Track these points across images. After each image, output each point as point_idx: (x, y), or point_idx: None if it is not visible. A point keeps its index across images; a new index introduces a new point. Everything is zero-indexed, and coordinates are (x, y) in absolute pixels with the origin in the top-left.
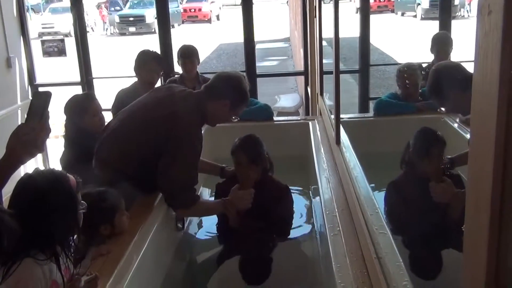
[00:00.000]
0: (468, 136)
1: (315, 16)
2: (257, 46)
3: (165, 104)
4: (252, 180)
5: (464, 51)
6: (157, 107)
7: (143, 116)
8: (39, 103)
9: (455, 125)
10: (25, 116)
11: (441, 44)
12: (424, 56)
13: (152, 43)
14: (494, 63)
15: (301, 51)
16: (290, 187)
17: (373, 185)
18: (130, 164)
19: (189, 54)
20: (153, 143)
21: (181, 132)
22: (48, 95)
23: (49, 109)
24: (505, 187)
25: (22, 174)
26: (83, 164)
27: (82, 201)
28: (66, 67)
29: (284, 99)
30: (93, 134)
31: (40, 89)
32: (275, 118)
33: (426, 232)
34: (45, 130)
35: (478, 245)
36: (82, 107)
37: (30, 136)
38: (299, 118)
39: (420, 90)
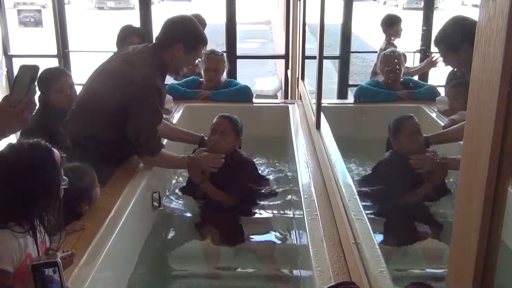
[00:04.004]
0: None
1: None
2: (237, 28)
3: (121, 65)
4: (223, 148)
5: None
6: (115, 69)
7: (105, 81)
8: (25, 76)
9: (433, 114)
10: (10, 88)
11: (390, 25)
12: (404, 45)
13: (131, 19)
14: (497, 49)
15: (283, 34)
16: (268, 169)
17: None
18: (102, 129)
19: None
20: (117, 104)
21: (138, 89)
22: (35, 68)
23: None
24: (500, 180)
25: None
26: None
27: (64, 177)
28: (42, 39)
29: (262, 82)
30: (58, 110)
31: (16, 60)
32: (255, 100)
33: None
34: (31, 104)
35: (467, 234)
36: (48, 81)
37: (16, 109)
38: (279, 101)
39: (401, 79)
